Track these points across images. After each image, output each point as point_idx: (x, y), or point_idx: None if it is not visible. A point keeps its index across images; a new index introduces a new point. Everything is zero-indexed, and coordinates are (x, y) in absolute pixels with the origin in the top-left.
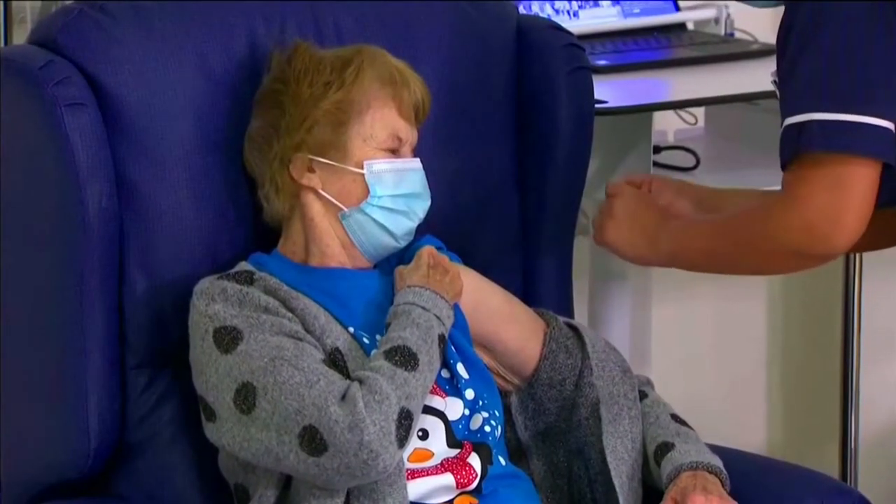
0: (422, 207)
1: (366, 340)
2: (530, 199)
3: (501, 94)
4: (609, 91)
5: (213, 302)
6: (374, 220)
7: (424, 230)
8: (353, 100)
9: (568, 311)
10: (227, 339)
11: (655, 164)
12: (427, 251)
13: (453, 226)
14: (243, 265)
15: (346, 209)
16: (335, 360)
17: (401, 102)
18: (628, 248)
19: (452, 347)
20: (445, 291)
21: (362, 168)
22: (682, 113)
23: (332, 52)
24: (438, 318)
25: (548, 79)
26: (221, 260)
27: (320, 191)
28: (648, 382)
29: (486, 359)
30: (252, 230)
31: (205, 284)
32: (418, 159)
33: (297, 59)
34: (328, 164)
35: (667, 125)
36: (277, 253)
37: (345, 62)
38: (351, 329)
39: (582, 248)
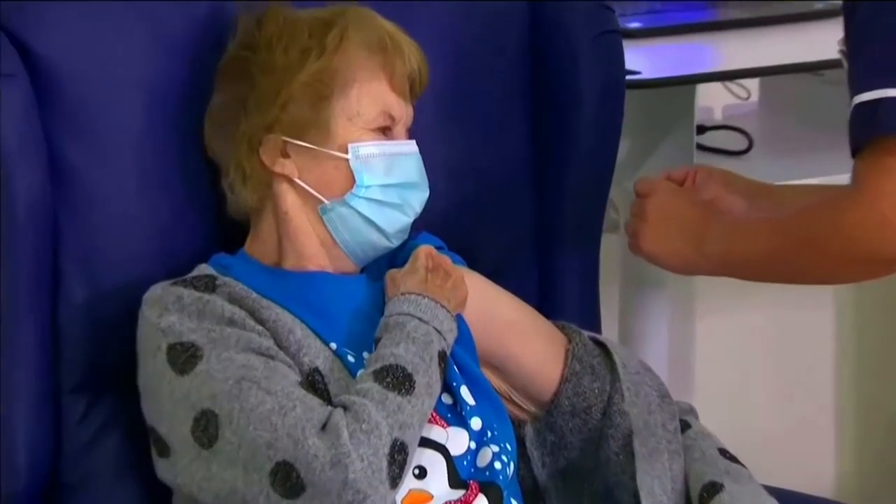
0: (418, 199)
1: (351, 359)
2: (548, 189)
3: (513, 66)
4: (643, 60)
5: (166, 312)
6: (361, 215)
7: (422, 226)
8: (337, 70)
9: (594, 324)
10: (184, 357)
11: (699, 146)
12: (425, 251)
13: (456, 221)
14: (203, 268)
15: (326, 201)
16: (314, 383)
17: (393, 73)
18: (669, 255)
19: (455, 367)
20: (447, 300)
21: (346, 152)
22: (731, 86)
23: (309, 13)
24: (439, 331)
25: (569, 46)
26: (177, 262)
27: (296, 179)
28: (691, 410)
29: (495, 381)
30: (214, 226)
31: (157, 292)
32: (414, 142)
33: (269, 22)
34: (306, 147)
35: (713, 100)
36: (244, 254)
37: (326, 25)
38: (333, 345)
39: (610, 249)
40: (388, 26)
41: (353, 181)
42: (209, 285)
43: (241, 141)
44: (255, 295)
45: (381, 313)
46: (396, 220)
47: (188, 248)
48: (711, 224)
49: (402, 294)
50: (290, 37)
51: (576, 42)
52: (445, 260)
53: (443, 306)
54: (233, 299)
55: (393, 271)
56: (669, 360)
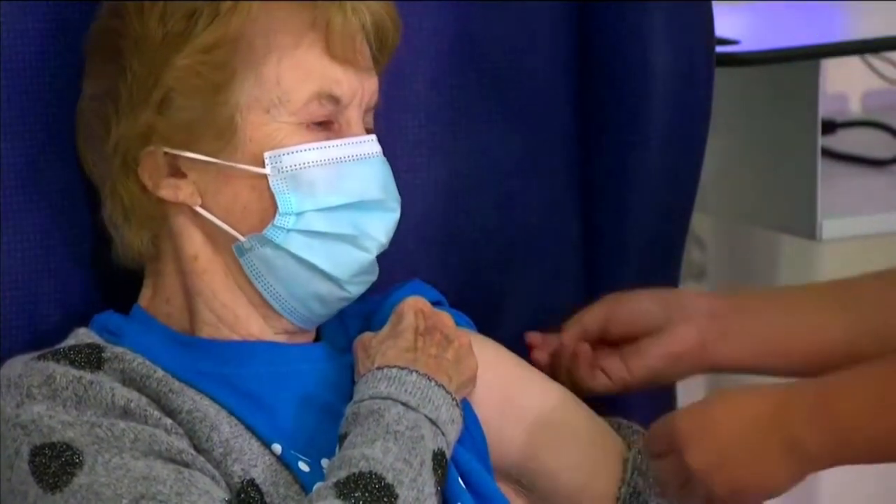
0: (382, 225)
1: (303, 467)
2: (602, 211)
3: (552, 35)
4: (743, 24)
5: (29, 400)
6: (293, 255)
7: (408, 267)
8: (238, 39)
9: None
10: (56, 465)
11: (827, 152)
12: (412, 305)
13: (464, 259)
14: (82, 334)
15: (242, 238)
16: (249, 502)
17: (330, 31)
18: (764, 489)
19: (459, 480)
20: (446, 376)
21: (263, 164)
22: (876, 63)
23: None
24: (433, 422)
25: (635, 2)
26: (43, 324)
27: (198, 209)
28: None
29: (518, 502)
30: (98, 271)
31: (14, 369)
32: (373, 137)
33: None
34: (201, 160)
35: (848, 84)
36: (141, 312)
37: None
38: (277, 447)
39: None
40: None
41: (275, 207)
42: (93, 359)
43: (115, 155)
44: (160, 373)
45: (349, 399)
46: (350, 260)
47: (58, 305)
48: (791, 405)
49: (380, 367)
50: None
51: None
52: (444, 317)
53: (440, 385)
54: (128, 380)
55: (366, 335)
56: None
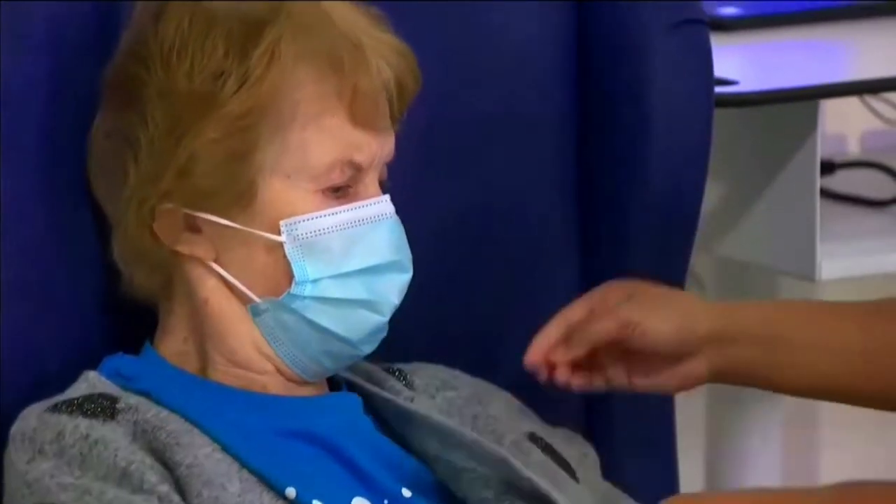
0: (396, 287)
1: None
2: (601, 254)
3: (552, 73)
4: (742, 64)
5: (39, 457)
6: (308, 321)
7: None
8: (266, 107)
9: (665, 447)
10: None
11: (826, 193)
12: None
13: (457, 282)
14: (94, 380)
15: (257, 299)
16: None
17: (354, 99)
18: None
19: None
20: None
21: (279, 232)
22: (875, 104)
23: (231, 6)
24: None
25: (630, 42)
26: (46, 365)
27: (212, 264)
28: None
29: None
30: (107, 306)
31: (29, 423)
32: (387, 198)
33: (169, 22)
34: (219, 224)
35: (848, 125)
36: (153, 354)
37: (252, 30)
38: (291, 491)
39: None
40: (345, 19)
41: (291, 276)
42: (107, 409)
43: (129, 203)
44: (172, 425)
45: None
46: (365, 324)
47: (64, 344)
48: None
49: None
50: (199, 51)
51: (641, 37)
52: None
53: None
54: (140, 431)
55: None
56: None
